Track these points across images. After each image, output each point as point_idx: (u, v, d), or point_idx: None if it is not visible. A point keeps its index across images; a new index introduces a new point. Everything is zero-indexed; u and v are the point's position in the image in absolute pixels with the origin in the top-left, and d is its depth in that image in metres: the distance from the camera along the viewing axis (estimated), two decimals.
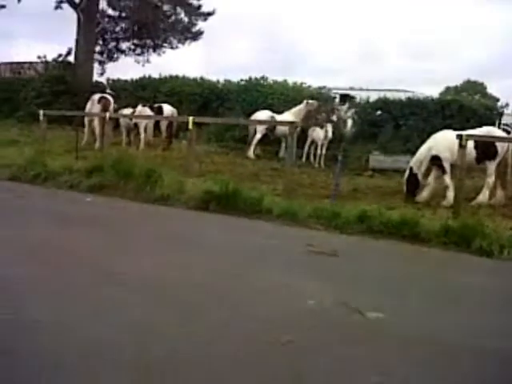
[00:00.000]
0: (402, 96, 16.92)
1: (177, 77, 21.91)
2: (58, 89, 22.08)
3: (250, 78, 19.51)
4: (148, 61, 30.77)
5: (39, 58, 26.41)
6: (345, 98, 20.10)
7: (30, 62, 31.80)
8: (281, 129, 14.12)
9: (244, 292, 4.38)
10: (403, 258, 6.08)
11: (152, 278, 4.58)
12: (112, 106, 15.59)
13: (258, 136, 14.67)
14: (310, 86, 18.91)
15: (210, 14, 29.06)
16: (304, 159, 14.38)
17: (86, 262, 4.96)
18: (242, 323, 3.68)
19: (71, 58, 25.78)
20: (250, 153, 14.49)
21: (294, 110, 15.34)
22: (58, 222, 6.69)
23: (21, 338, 3.21)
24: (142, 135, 14.94)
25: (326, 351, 3.32)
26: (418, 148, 9.93)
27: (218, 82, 20.92)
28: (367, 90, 21.90)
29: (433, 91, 48.79)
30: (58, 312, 3.66)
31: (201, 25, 29.52)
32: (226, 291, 4.36)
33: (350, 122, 16.91)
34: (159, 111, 15.84)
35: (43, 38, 60.17)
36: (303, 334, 3.55)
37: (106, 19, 28.94)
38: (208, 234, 6.59)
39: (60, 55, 25.81)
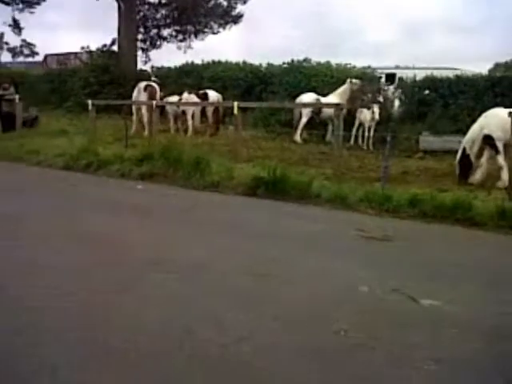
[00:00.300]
0: (450, 74, 16.45)
1: (219, 62, 21.88)
2: (103, 78, 22.42)
3: (293, 61, 19.32)
4: (190, 47, 30.86)
5: (83, 48, 26.86)
6: (391, 77, 19.71)
7: (76, 53, 32.39)
8: (327, 111, 13.95)
9: (294, 278, 4.39)
10: (457, 243, 5.95)
11: (202, 264, 4.62)
12: (158, 94, 15.75)
13: (304, 120, 14.55)
14: (354, 67, 18.60)
15: None
16: (352, 142, 14.20)
17: (136, 249, 5.06)
18: (293, 311, 3.69)
19: (115, 47, 26.09)
20: (297, 137, 14.40)
21: (339, 91, 15.15)
22: (110, 209, 6.85)
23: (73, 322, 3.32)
24: (190, 122, 15.07)
25: (378, 339, 3.31)
26: (468, 127, 9.66)
27: (260, 65, 20.81)
28: (414, 68, 21.35)
29: (482, 68, 47.28)
30: (105, 299, 3.76)
31: (240, 8, 29.44)
32: (277, 277, 4.38)
33: (397, 103, 16.57)
34: (205, 97, 15.91)
35: (88, 28, 61.18)
36: (355, 321, 3.55)
37: (146, 6, 29.11)
38: (257, 219, 6.63)
39: (104, 45, 26.16)
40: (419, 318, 3.69)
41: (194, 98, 15.39)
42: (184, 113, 15.38)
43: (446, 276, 4.62)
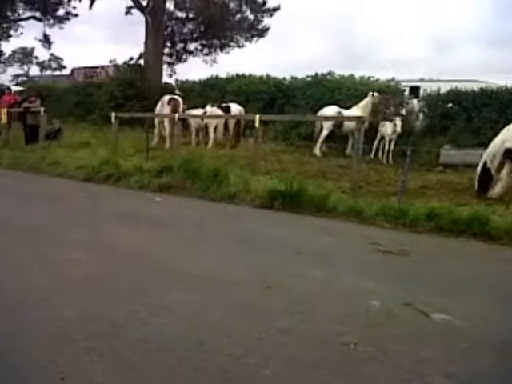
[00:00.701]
0: (475, 87, 16.29)
1: (243, 75, 22.02)
2: (128, 92, 22.70)
3: (316, 74, 19.36)
4: (215, 60, 31.20)
5: (110, 61, 27.31)
6: (415, 90, 19.58)
7: (102, 66, 32.95)
8: (348, 125, 13.90)
9: (305, 291, 4.36)
10: (473, 257, 5.86)
11: (214, 275, 4.63)
12: (181, 107, 15.89)
13: (325, 133, 14.52)
14: (377, 80, 18.54)
15: (275, 9, 29.07)
16: (373, 155, 14.11)
17: (150, 259, 5.09)
18: (302, 323, 3.66)
19: (141, 61, 26.46)
20: (317, 150, 14.37)
21: (361, 104, 15.11)
22: (126, 220, 6.91)
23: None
24: (212, 134, 15.15)
25: (388, 353, 3.26)
26: (490, 141, 9.53)
27: (284, 79, 20.89)
28: (438, 81, 21.23)
29: (507, 81, 46.74)
30: (116, 308, 3.76)
31: (266, 21, 29.61)
32: (291, 290, 4.35)
33: (420, 115, 16.44)
34: (227, 110, 16.01)
35: (115, 41, 62.23)
36: (365, 334, 3.50)
37: (174, 21, 29.49)
38: (272, 232, 6.60)
39: (131, 58, 26.57)
40: (430, 332, 3.63)
41: (217, 111, 15.49)
42: (207, 126, 15.48)
43: (461, 291, 4.56)
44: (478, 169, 9.16)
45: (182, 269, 4.77)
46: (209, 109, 15.73)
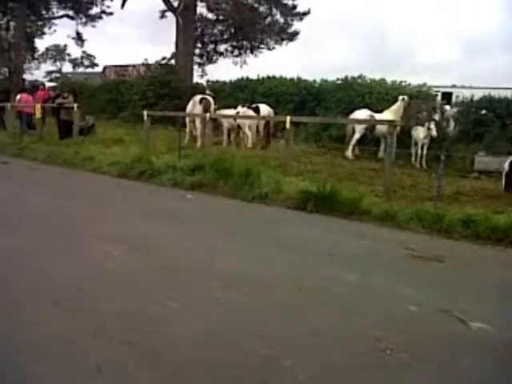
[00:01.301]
0: (509, 94, 16.05)
1: (274, 77, 22.03)
2: (160, 91, 22.87)
3: (347, 77, 19.28)
4: (245, 62, 31.30)
5: (143, 62, 27.56)
6: (447, 95, 19.38)
7: (134, 65, 33.28)
8: (380, 128, 13.83)
9: (338, 294, 4.33)
10: (510, 266, 5.77)
11: (246, 275, 4.62)
12: (212, 107, 15.94)
13: (357, 136, 14.45)
14: (409, 84, 18.40)
15: (305, 13, 29.07)
16: (413, 160, 13.99)
17: (182, 257, 5.11)
18: (336, 327, 3.64)
19: (172, 61, 26.64)
20: (349, 153, 14.30)
21: (393, 107, 15.01)
22: (161, 218, 6.93)
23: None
24: (249, 134, 15.17)
25: (424, 360, 3.22)
26: None
27: (314, 81, 20.85)
28: (471, 87, 20.99)
29: None
30: (150, 305, 3.78)
31: (297, 25, 29.59)
32: (325, 293, 4.32)
33: (452, 122, 16.25)
34: (256, 111, 16.02)
35: (147, 41, 62.83)
36: (401, 340, 3.46)
37: (204, 22, 29.64)
38: (303, 233, 6.57)
39: (163, 58, 26.76)
40: (467, 340, 3.57)
41: (249, 112, 15.51)
42: (239, 126, 15.51)
43: (498, 299, 4.47)
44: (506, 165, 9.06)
45: (214, 267, 4.78)
46: (241, 109, 15.76)
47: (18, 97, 19.54)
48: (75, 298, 3.75)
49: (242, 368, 2.95)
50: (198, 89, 22.51)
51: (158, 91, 22.77)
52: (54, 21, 36.67)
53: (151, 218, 6.90)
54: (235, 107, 16.22)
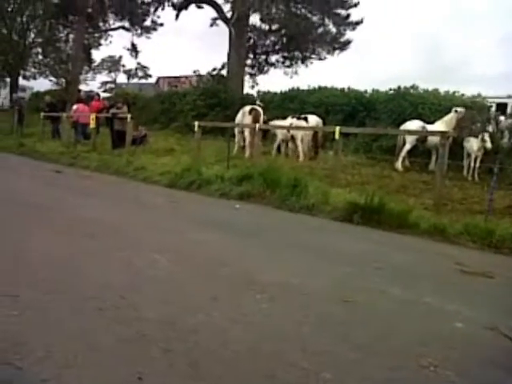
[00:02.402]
0: None
1: (324, 87, 21.97)
2: (211, 101, 23.16)
3: (399, 87, 19.01)
4: (296, 72, 31.38)
5: (195, 72, 28.01)
6: (502, 106, 18.85)
7: (186, 76, 33.90)
8: (432, 140, 13.58)
9: (382, 308, 4.25)
10: None
11: (290, 286, 4.58)
12: (262, 118, 16.03)
13: (408, 147, 14.22)
14: (462, 95, 18.00)
15: (358, 23, 28.94)
16: (465, 172, 13.66)
17: (227, 266, 5.10)
18: (379, 341, 3.56)
19: (224, 72, 26.96)
20: (398, 164, 14.08)
21: (445, 118, 14.68)
22: (209, 227, 6.99)
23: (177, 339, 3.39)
24: (300, 147, 15.17)
25: (469, 378, 3.13)
26: None
27: (365, 91, 20.68)
28: None
29: None
30: (194, 313, 3.79)
31: (349, 34, 29.47)
32: (370, 306, 4.26)
33: (507, 133, 15.77)
34: (305, 122, 16.00)
35: (199, 52, 63.82)
36: (446, 357, 3.36)
37: (256, 33, 29.89)
38: (352, 246, 6.50)
39: (214, 69, 27.12)
40: None
41: (302, 123, 15.50)
42: (293, 137, 15.51)
43: None
44: None
45: (259, 277, 4.77)
46: (295, 121, 15.75)
47: (75, 107, 20.18)
48: (119, 305, 3.81)
49: (283, 380, 2.93)
50: (249, 99, 22.69)
51: (209, 101, 23.08)
52: (110, 32, 37.88)
53: (198, 227, 6.98)
54: (284, 118, 16.25)
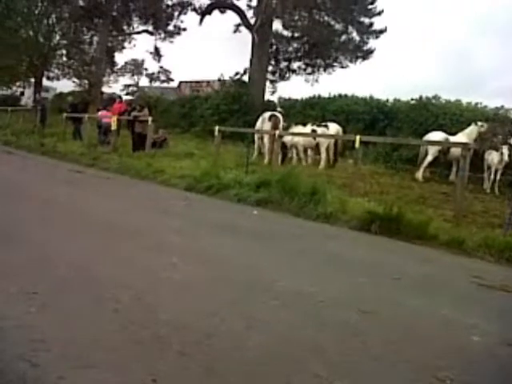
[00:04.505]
0: None
1: (346, 96, 21.95)
2: (232, 107, 23.25)
3: (421, 97, 18.93)
4: (317, 80, 31.34)
5: (219, 79, 28.16)
6: None
7: (208, 81, 34.10)
8: (454, 151, 13.51)
9: (398, 319, 4.21)
10: None
11: (306, 293, 4.56)
12: (281, 124, 16.06)
13: (430, 158, 14.16)
14: (485, 107, 17.88)
15: (381, 31, 28.84)
16: (485, 184, 13.54)
17: (243, 271, 5.12)
18: (396, 353, 3.52)
19: (245, 78, 27.08)
20: (419, 174, 14.02)
21: (467, 131, 14.64)
22: (226, 232, 7.01)
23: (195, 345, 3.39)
24: (324, 154, 15.17)
25: None
26: None
27: (387, 100, 20.61)
28: None
29: None
30: (210, 318, 3.79)
31: (372, 43, 29.38)
32: (387, 317, 4.22)
33: None
34: (326, 129, 15.99)
35: (222, 57, 64.13)
36: (463, 371, 3.32)
37: (279, 39, 29.95)
38: (370, 256, 6.46)
39: (237, 73, 27.25)
40: None
41: (326, 131, 15.49)
42: (318, 145, 15.50)
43: None
44: None
45: (276, 283, 4.76)
46: (317, 128, 15.74)
47: (99, 113, 20.58)
48: (135, 307, 3.83)
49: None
50: (269, 105, 22.74)
51: (231, 106, 23.16)
52: (133, 36, 38.27)
53: (216, 232, 7.00)
54: (304, 125, 16.25)
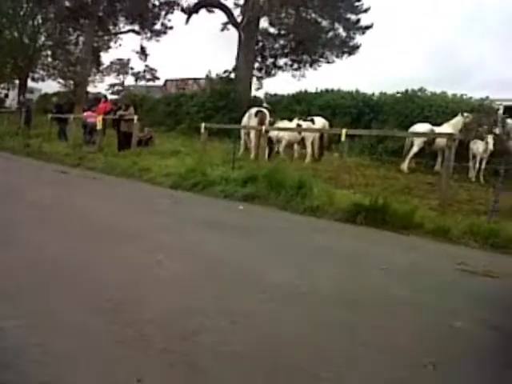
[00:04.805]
0: None
1: (332, 90, 21.99)
2: (219, 103, 23.20)
3: (407, 91, 18.98)
4: (304, 75, 31.34)
5: (207, 76, 28.08)
6: (510, 109, 18.75)
7: (194, 79, 33.99)
8: (439, 142, 13.58)
9: (390, 308, 4.22)
10: None
11: (293, 287, 4.54)
12: (268, 120, 16.03)
13: (415, 149, 14.22)
14: (470, 98, 17.95)
15: (368, 27, 28.88)
16: (471, 173, 13.62)
17: (235, 269, 5.07)
18: (384, 340, 3.53)
19: (232, 75, 27.02)
20: (404, 166, 14.08)
21: (453, 121, 14.71)
22: (212, 228, 6.98)
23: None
24: (309, 148, 15.17)
25: (467, 375, 3.12)
26: None
27: (373, 94, 20.65)
28: None
29: None
30: (197, 314, 3.76)
31: (358, 39, 29.43)
32: (372, 306, 4.21)
33: None
34: (311, 124, 15.99)
35: (208, 55, 63.97)
36: (447, 356, 3.34)
37: (266, 37, 29.93)
38: (355, 247, 6.48)
39: (226, 71, 27.18)
40: None
41: (311, 126, 15.50)
42: (303, 139, 15.50)
43: None
44: None
45: (262, 278, 4.75)
46: (303, 122, 15.75)
47: (85, 114, 20.51)
48: (119, 305, 3.80)
49: (283, 381, 2.91)
50: (256, 102, 22.72)
51: (216, 103, 23.11)
52: (119, 35, 38.06)
53: (202, 228, 6.97)
54: (290, 120, 16.24)
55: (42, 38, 38.14)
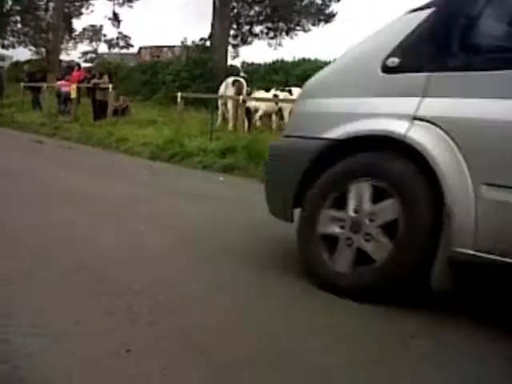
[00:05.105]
0: None
1: (309, 60, 21.89)
2: (195, 72, 22.93)
3: None
4: (280, 44, 31.20)
5: (182, 42, 27.68)
6: None
7: (168, 46, 33.51)
8: None
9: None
10: None
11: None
12: (245, 90, 15.92)
13: None
14: None
15: None
16: None
17: (208, 234, 5.13)
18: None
19: (208, 43, 26.72)
20: None
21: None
22: (191, 199, 6.98)
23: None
24: (287, 119, 15.13)
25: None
26: None
27: None
28: None
29: None
30: (179, 285, 3.79)
31: (334, 6, 29.30)
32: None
33: None
34: (289, 94, 15.95)
35: (182, 23, 62.95)
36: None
37: (240, 3, 29.59)
38: None
39: (201, 39, 26.83)
40: None
41: (288, 96, 15.45)
42: (281, 110, 15.44)
43: None
44: None
45: (243, 244, 4.81)
46: (280, 93, 15.67)
47: (58, 82, 20.15)
48: (104, 277, 3.77)
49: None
50: (233, 71, 22.53)
51: (192, 72, 22.85)
52: (91, 1, 37.19)
53: (181, 199, 6.95)
54: (268, 90, 16.17)
55: (9, 3, 37.02)
